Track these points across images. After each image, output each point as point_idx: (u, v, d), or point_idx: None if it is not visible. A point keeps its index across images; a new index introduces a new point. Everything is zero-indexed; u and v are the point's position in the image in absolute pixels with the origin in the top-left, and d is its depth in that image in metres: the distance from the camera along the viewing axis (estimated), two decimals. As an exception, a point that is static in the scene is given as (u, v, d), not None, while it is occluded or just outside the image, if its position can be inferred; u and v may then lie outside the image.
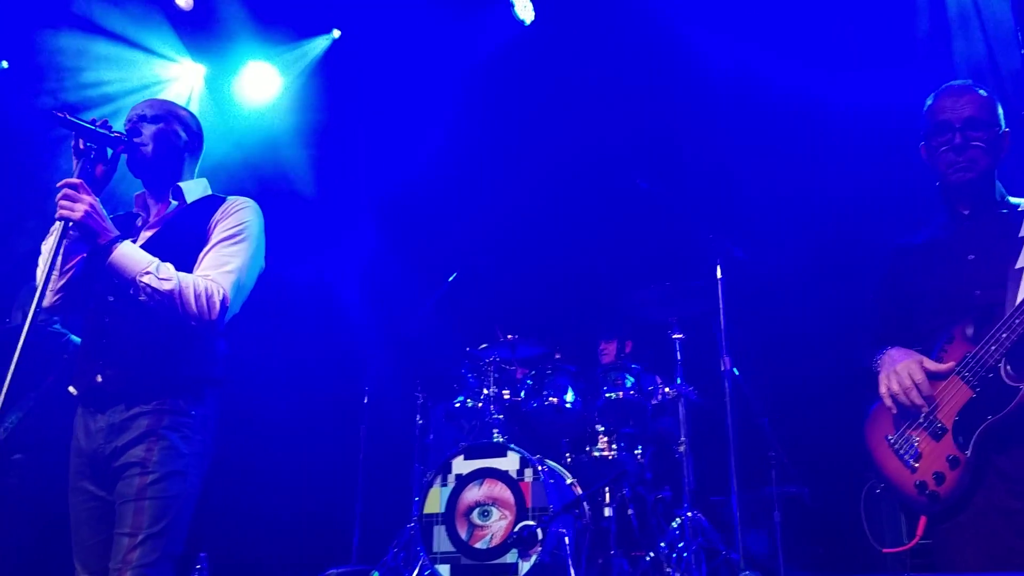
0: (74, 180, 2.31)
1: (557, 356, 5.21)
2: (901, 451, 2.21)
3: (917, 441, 2.18)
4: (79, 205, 2.28)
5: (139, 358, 2.37)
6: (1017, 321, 2.04)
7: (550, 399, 4.77)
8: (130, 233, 2.56)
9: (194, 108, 6.14)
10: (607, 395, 4.74)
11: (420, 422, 5.22)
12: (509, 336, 4.97)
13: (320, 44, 6.31)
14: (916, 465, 2.16)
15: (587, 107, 5.98)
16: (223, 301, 2.39)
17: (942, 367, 2.16)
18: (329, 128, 6.40)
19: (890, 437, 2.25)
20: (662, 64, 5.80)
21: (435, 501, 4.33)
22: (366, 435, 5.47)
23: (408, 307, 5.64)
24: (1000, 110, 2.36)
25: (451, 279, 5.43)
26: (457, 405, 4.88)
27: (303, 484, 5.78)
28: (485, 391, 4.77)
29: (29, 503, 3.95)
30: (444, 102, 6.12)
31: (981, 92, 2.35)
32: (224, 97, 6.24)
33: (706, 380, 4.66)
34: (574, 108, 6.00)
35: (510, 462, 4.29)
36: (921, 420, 2.18)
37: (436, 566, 4.19)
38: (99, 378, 2.37)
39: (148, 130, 2.57)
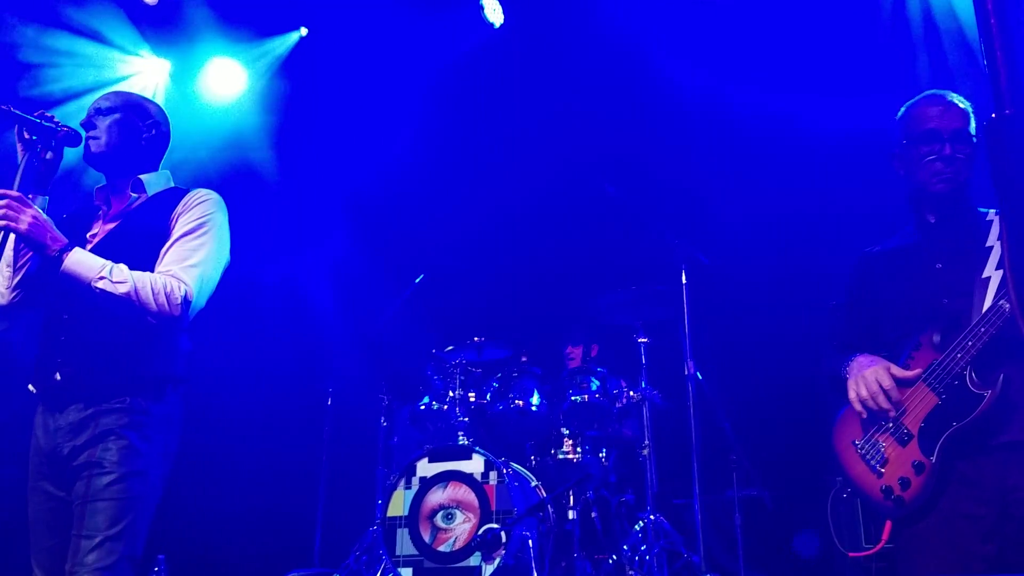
0: (13, 192, 2.26)
1: (523, 359, 5.22)
2: (868, 456, 2.24)
3: (884, 446, 2.21)
4: (23, 216, 2.23)
5: (98, 355, 2.32)
6: (982, 330, 2.08)
7: (516, 402, 4.78)
8: (89, 226, 2.52)
9: (159, 104, 6.06)
10: (572, 398, 4.77)
11: (384, 424, 5.19)
12: (476, 339, 4.97)
13: (286, 41, 6.26)
14: (882, 470, 2.19)
15: (555, 112, 6.01)
16: (185, 296, 2.35)
17: (909, 374, 2.20)
18: (296, 126, 6.35)
19: (857, 442, 2.28)
20: (629, 70, 5.85)
21: (399, 504, 4.31)
22: (329, 436, 5.42)
23: (374, 308, 5.61)
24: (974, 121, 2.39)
25: (418, 280, 5.41)
26: (422, 407, 4.86)
27: (264, 485, 5.71)
28: (451, 393, 4.76)
29: None
30: (413, 103, 6.10)
31: (964, 104, 2.35)
32: (189, 93, 6.16)
33: (670, 384, 4.71)
34: (542, 112, 6.03)
35: (475, 465, 4.28)
36: (888, 425, 2.22)
37: (399, 569, 4.17)
38: (58, 376, 2.33)
39: (102, 123, 2.53)
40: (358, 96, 6.22)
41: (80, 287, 2.27)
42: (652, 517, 4.33)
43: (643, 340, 4.76)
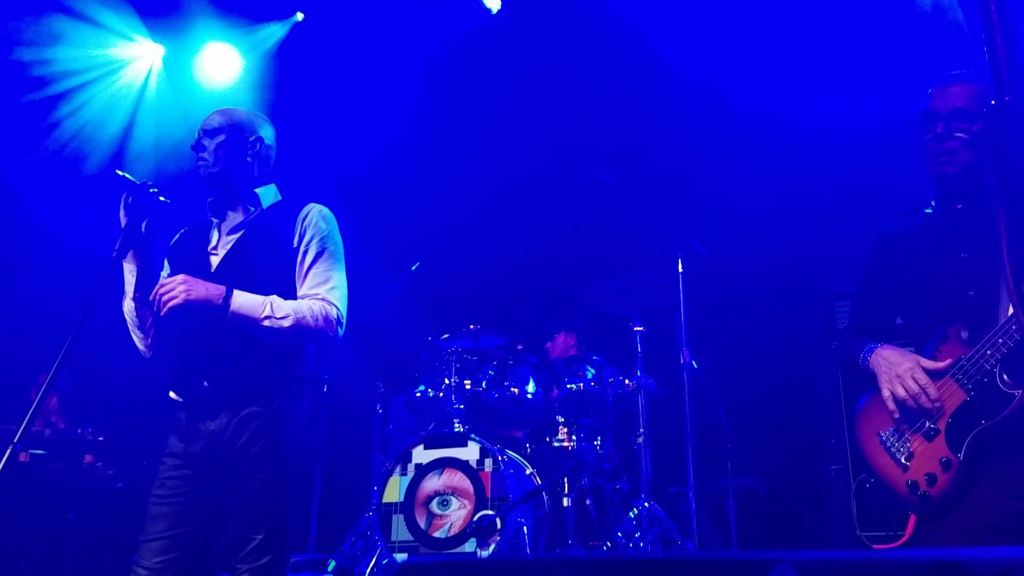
0: (168, 282, 2.40)
1: (519, 347, 5.23)
2: (893, 449, 2.21)
3: (910, 441, 2.18)
4: (177, 290, 2.37)
5: (242, 362, 2.45)
6: (1014, 327, 2.03)
7: (511, 389, 4.78)
8: (207, 239, 2.62)
9: (152, 88, 6.02)
10: (568, 386, 4.77)
11: (380, 411, 5.19)
12: (472, 326, 4.96)
13: (283, 26, 6.21)
14: (908, 464, 2.16)
15: (552, 99, 5.99)
16: (338, 319, 2.54)
17: (939, 365, 2.15)
18: (291, 111, 6.31)
19: (882, 434, 2.24)
20: (627, 58, 5.83)
21: (394, 490, 4.32)
22: (325, 423, 5.43)
23: (370, 295, 5.60)
24: None
25: (414, 268, 5.40)
26: (418, 395, 4.87)
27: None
28: (446, 381, 4.77)
29: None
30: (409, 89, 6.07)
31: (972, 82, 2.26)
32: (184, 78, 6.12)
33: (666, 373, 4.71)
34: (539, 99, 6.01)
35: (470, 452, 4.29)
36: (921, 423, 2.17)
37: (394, 555, 4.18)
38: (205, 383, 2.44)
39: (210, 144, 2.62)
40: (354, 81, 6.19)
41: (245, 328, 2.41)
42: (646, 504, 4.34)
43: (639, 329, 4.76)
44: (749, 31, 5.41)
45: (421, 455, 4.35)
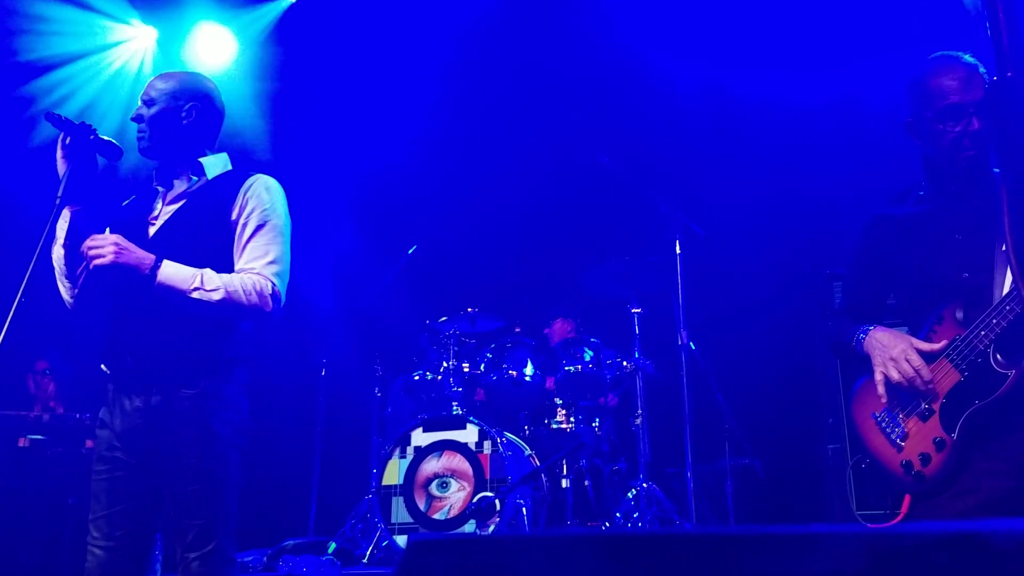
0: (93, 238, 2.32)
1: (517, 330, 5.23)
2: (888, 430, 2.21)
3: (904, 421, 2.18)
4: (106, 249, 2.28)
5: (169, 341, 2.37)
6: (1008, 307, 2.03)
7: (509, 372, 4.79)
8: (151, 208, 2.54)
9: (148, 73, 5.97)
10: (566, 368, 4.78)
11: (379, 395, 5.20)
12: (469, 309, 4.97)
13: (277, 7, 6.15)
14: (903, 444, 2.17)
15: (549, 82, 5.97)
16: (274, 295, 2.42)
17: (934, 347, 2.15)
18: (287, 95, 6.28)
19: (877, 415, 2.25)
20: (622, 40, 5.79)
21: (393, 473, 4.33)
22: (324, 407, 5.44)
23: (367, 279, 5.59)
24: None
25: (411, 252, 5.39)
26: (416, 378, 4.87)
27: (260, 456, 5.70)
28: (445, 364, 4.77)
29: None
30: (407, 72, 6.03)
31: (982, 69, 2.21)
32: (177, 62, 6.07)
33: (663, 354, 4.72)
34: (536, 83, 5.98)
35: (469, 434, 4.31)
36: (917, 405, 2.17)
37: (394, 537, 4.20)
38: (129, 359, 2.38)
39: (146, 115, 2.53)
40: (351, 64, 6.14)
41: (173, 298, 2.33)
42: (644, 485, 4.36)
43: (636, 311, 4.77)
44: (745, 14, 5.38)
45: (420, 438, 4.37)
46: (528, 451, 4.50)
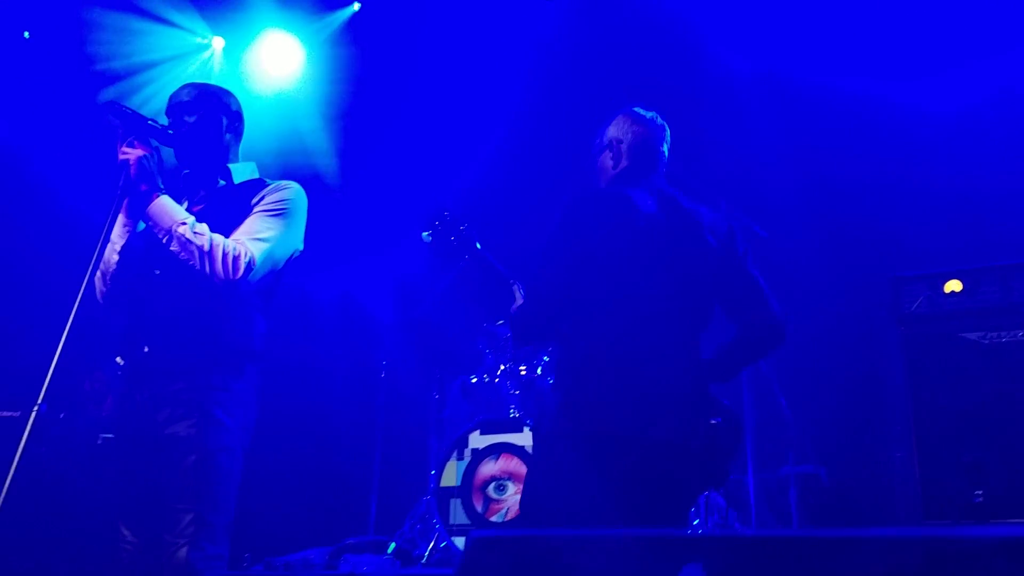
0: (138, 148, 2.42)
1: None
2: None
3: None
4: (135, 152, 2.39)
5: (182, 332, 2.42)
6: None
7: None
8: (179, 202, 2.59)
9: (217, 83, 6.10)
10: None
11: (436, 397, 5.24)
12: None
13: (343, 13, 6.18)
14: None
15: (606, 84, 5.90)
16: (249, 264, 2.42)
17: None
18: (355, 105, 6.30)
19: None
20: (679, 40, 5.72)
21: (451, 475, 4.36)
22: (383, 409, 5.50)
23: (426, 282, 5.64)
24: None
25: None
26: (474, 380, 4.89)
27: (322, 457, 5.83)
28: (502, 367, 4.78)
29: None
30: (472, 84, 5.99)
31: None
32: (243, 72, 6.13)
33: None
34: (591, 86, 5.92)
35: (526, 437, 4.30)
36: None
37: (452, 538, 4.22)
38: (146, 348, 2.43)
39: (189, 120, 2.60)
40: (412, 74, 6.15)
41: (159, 232, 2.38)
42: (706, 492, 4.29)
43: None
44: (809, 8, 5.26)
45: (477, 440, 4.38)
46: (586, 455, 4.47)
